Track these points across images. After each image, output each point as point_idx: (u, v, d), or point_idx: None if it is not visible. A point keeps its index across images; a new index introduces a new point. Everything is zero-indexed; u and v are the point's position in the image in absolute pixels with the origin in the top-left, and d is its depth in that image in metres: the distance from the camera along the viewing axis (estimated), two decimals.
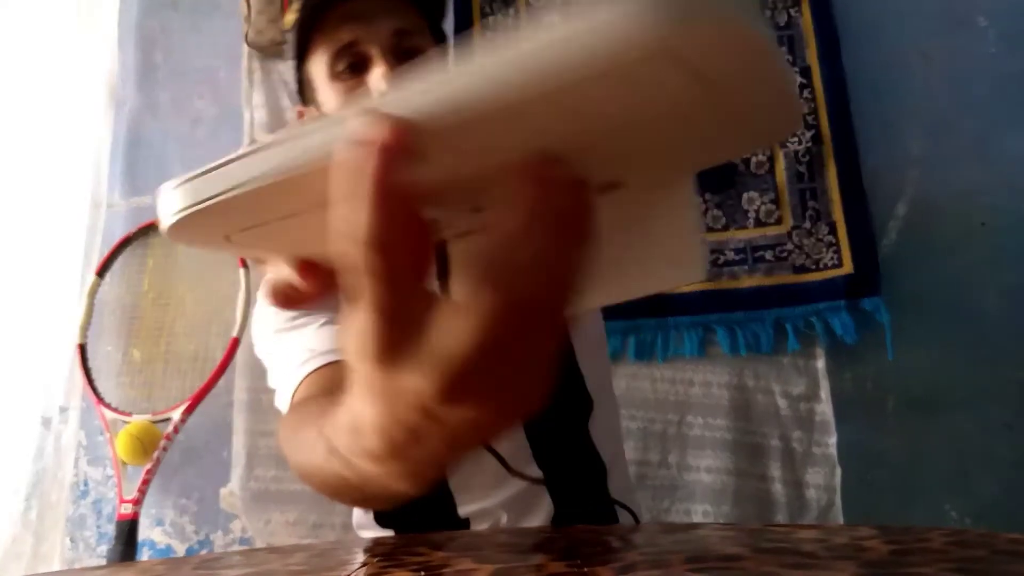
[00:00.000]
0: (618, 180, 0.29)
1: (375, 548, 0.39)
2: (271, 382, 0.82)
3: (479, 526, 0.83)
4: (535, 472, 0.84)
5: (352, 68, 0.78)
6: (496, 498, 0.83)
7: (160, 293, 1.50)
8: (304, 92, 0.86)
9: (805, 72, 1.44)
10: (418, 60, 0.79)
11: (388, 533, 0.89)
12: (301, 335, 0.78)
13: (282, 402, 0.76)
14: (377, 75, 0.76)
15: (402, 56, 0.79)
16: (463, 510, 0.84)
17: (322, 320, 0.82)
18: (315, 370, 0.73)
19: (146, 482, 1.28)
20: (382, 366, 0.25)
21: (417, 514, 0.86)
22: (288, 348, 0.78)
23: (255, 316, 0.89)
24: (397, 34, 0.78)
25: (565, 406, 0.88)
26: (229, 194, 0.28)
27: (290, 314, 0.83)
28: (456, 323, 0.23)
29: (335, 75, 0.78)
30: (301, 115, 0.89)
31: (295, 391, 0.73)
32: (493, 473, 0.84)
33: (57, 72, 1.67)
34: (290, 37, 0.83)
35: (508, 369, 0.24)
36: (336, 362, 0.72)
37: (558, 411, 0.86)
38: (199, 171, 0.29)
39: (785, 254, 1.39)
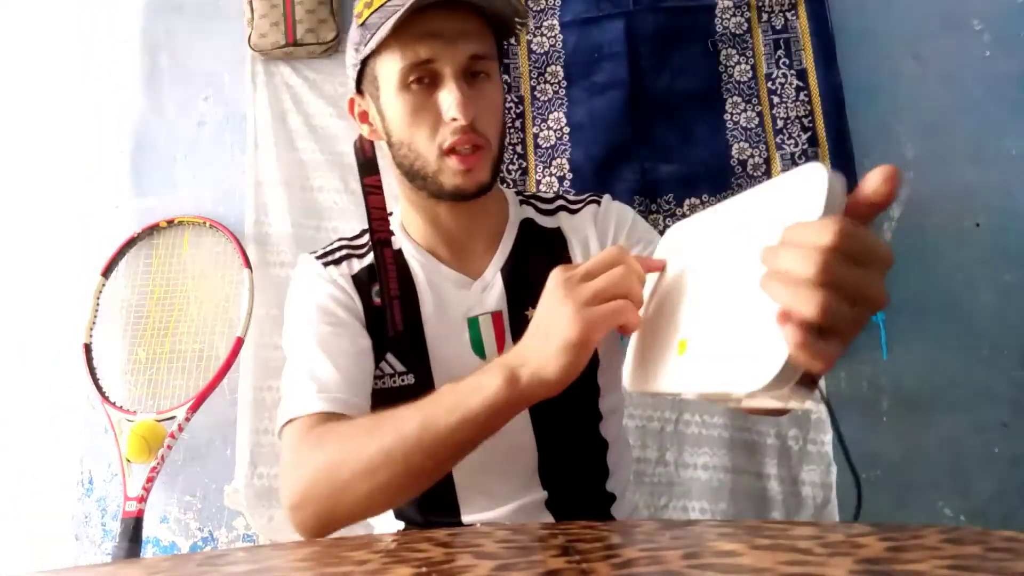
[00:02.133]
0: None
1: (377, 545, 0.40)
2: (285, 379, 0.82)
3: None
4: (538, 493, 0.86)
5: (422, 82, 0.78)
6: (497, 512, 0.85)
7: (165, 293, 1.51)
8: (362, 83, 0.85)
9: (801, 75, 1.44)
10: (485, 84, 0.81)
11: (400, 525, 0.91)
12: (337, 356, 0.79)
13: (289, 411, 0.76)
14: (449, 101, 0.77)
15: (471, 79, 0.80)
16: (466, 519, 0.86)
17: (361, 341, 0.83)
18: (332, 412, 0.74)
19: (151, 480, 1.29)
20: None
21: (424, 516, 0.88)
22: (317, 366, 0.79)
23: (295, 305, 0.89)
24: (472, 58, 0.79)
25: (579, 433, 0.89)
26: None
27: (334, 317, 0.84)
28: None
29: (406, 86, 0.79)
30: (352, 104, 0.89)
31: (306, 416, 0.74)
32: (498, 489, 0.85)
33: (63, 75, 1.68)
34: (358, 26, 0.81)
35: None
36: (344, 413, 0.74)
37: (570, 434, 0.87)
38: None
39: None
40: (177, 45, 1.65)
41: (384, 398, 0.82)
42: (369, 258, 0.90)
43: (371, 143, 0.90)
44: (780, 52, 1.46)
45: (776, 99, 1.44)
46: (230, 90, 1.62)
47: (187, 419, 1.33)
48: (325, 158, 1.54)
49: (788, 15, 1.47)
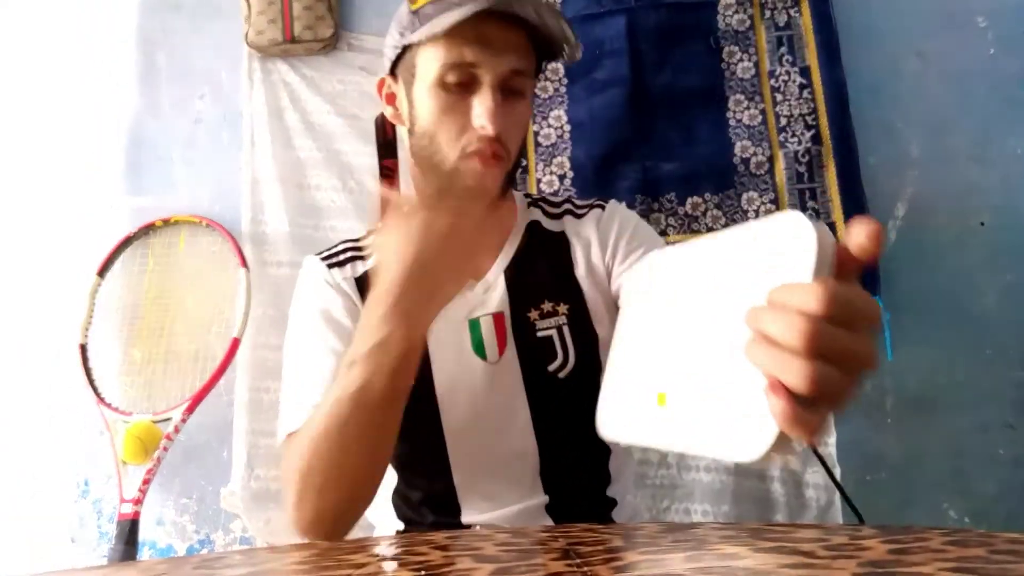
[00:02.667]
0: None
1: (375, 548, 0.39)
2: (284, 389, 0.83)
3: None
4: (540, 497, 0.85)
5: (459, 83, 0.78)
6: (497, 514, 0.85)
7: (161, 293, 1.50)
8: (397, 66, 0.85)
9: (804, 72, 1.44)
10: (518, 101, 0.81)
11: (400, 526, 0.90)
12: (335, 365, 0.78)
13: (286, 426, 0.76)
14: (481, 109, 0.78)
15: (507, 93, 0.80)
16: (466, 519, 0.85)
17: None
18: None
19: (147, 482, 1.28)
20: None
21: (424, 517, 0.87)
22: (315, 377, 0.79)
23: (298, 310, 0.89)
24: (512, 72, 0.79)
25: (581, 437, 0.88)
26: None
27: (336, 324, 0.84)
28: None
29: (442, 84, 0.79)
30: (383, 83, 0.89)
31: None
32: (499, 491, 0.84)
33: (59, 73, 1.67)
34: (410, 11, 0.81)
35: None
36: None
37: (573, 439, 0.86)
38: None
39: None
40: (174, 43, 1.65)
41: None
42: (362, 264, 0.90)
43: (393, 125, 0.90)
44: (783, 49, 1.45)
45: (779, 97, 1.44)
46: (227, 88, 1.61)
47: (183, 420, 1.33)
48: (323, 156, 1.53)
49: (791, 12, 1.46)
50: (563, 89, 1.49)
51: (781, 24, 1.46)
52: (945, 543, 0.30)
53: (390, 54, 0.86)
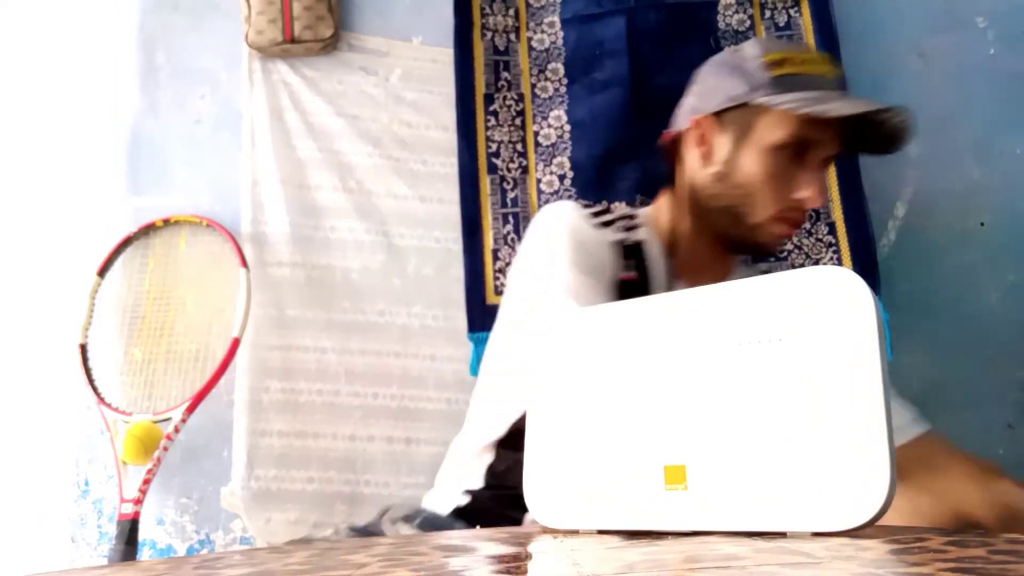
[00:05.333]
0: None
1: (375, 548, 0.39)
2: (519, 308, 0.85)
3: None
4: None
5: (791, 155, 0.83)
6: None
7: (161, 293, 1.50)
8: (728, 114, 0.88)
9: None
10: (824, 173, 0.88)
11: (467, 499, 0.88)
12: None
13: (501, 417, 0.79)
14: (811, 185, 0.83)
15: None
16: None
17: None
18: None
19: (147, 482, 1.28)
20: None
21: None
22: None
23: (558, 236, 0.89)
24: (830, 158, 0.86)
25: None
26: None
27: (595, 268, 0.86)
28: None
29: (779, 150, 0.82)
30: (701, 122, 0.92)
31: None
32: None
33: (58, 72, 1.67)
34: (769, 74, 0.85)
35: None
36: None
37: None
38: None
39: (784, 254, 1.39)
40: (173, 42, 1.65)
41: None
42: (635, 234, 0.93)
43: (675, 158, 0.94)
44: None
45: None
46: (227, 88, 1.61)
47: (184, 420, 1.33)
48: (323, 156, 1.53)
49: (791, 12, 1.46)
50: (563, 89, 1.49)
51: (781, 24, 1.46)
52: (945, 543, 0.30)
53: (722, 101, 0.88)
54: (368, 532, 0.86)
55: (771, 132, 0.82)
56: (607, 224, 0.91)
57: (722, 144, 0.87)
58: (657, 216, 0.98)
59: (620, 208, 0.99)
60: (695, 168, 0.91)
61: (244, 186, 1.53)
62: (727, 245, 0.97)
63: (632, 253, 0.89)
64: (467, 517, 0.84)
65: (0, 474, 1.53)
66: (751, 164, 0.83)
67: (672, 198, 0.97)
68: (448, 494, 0.90)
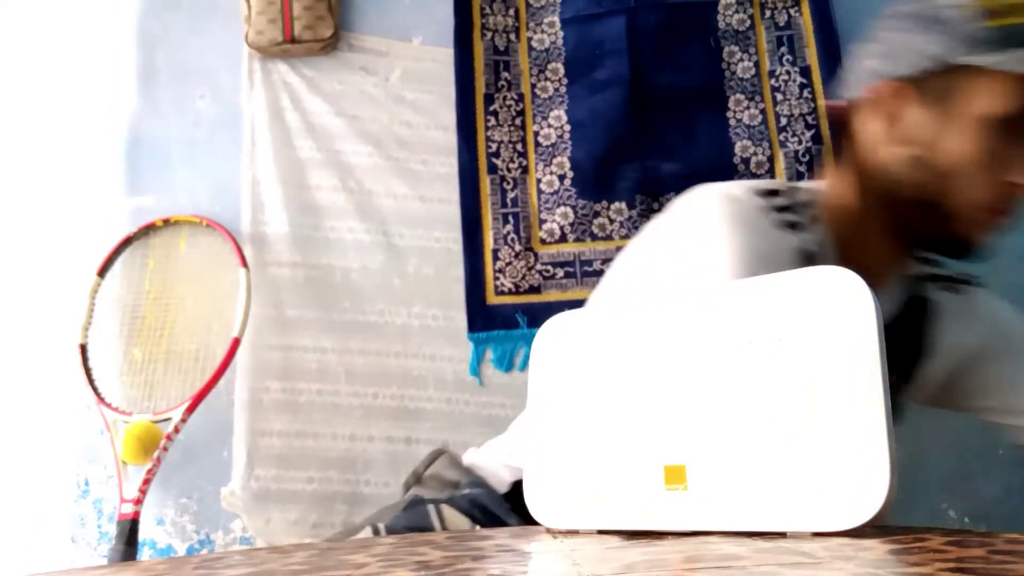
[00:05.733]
0: None
1: (375, 548, 0.39)
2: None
3: None
4: None
5: (1010, 129, 0.68)
6: None
7: (161, 293, 1.50)
8: (924, 80, 0.71)
9: (805, 72, 1.44)
10: None
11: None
12: None
13: None
14: None
15: None
16: None
17: None
18: None
19: (147, 482, 1.28)
20: None
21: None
22: None
23: (739, 240, 0.71)
24: None
25: None
26: None
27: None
28: None
29: (992, 123, 0.68)
30: (888, 88, 0.74)
31: None
32: None
33: (58, 73, 1.67)
34: (981, 22, 0.67)
35: None
36: None
37: None
38: None
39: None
40: (174, 43, 1.65)
41: None
42: (813, 234, 0.75)
43: (848, 124, 0.77)
44: (783, 49, 1.45)
45: (780, 96, 1.44)
46: (227, 88, 1.61)
47: (183, 420, 1.32)
48: (323, 156, 1.53)
49: (791, 11, 1.46)
50: (563, 89, 1.49)
51: (781, 24, 1.46)
52: (945, 543, 0.30)
53: (916, 62, 0.71)
54: (412, 527, 0.77)
55: (987, 101, 0.67)
56: (791, 227, 0.73)
57: (917, 119, 0.71)
58: (828, 205, 0.79)
59: (787, 189, 0.78)
60: (875, 146, 0.74)
61: (244, 186, 1.53)
62: (911, 240, 0.81)
63: (810, 261, 0.72)
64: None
65: (0, 474, 1.53)
66: (959, 142, 0.68)
67: (840, 181, 0.79)
68: (502, 468, 0.84)
